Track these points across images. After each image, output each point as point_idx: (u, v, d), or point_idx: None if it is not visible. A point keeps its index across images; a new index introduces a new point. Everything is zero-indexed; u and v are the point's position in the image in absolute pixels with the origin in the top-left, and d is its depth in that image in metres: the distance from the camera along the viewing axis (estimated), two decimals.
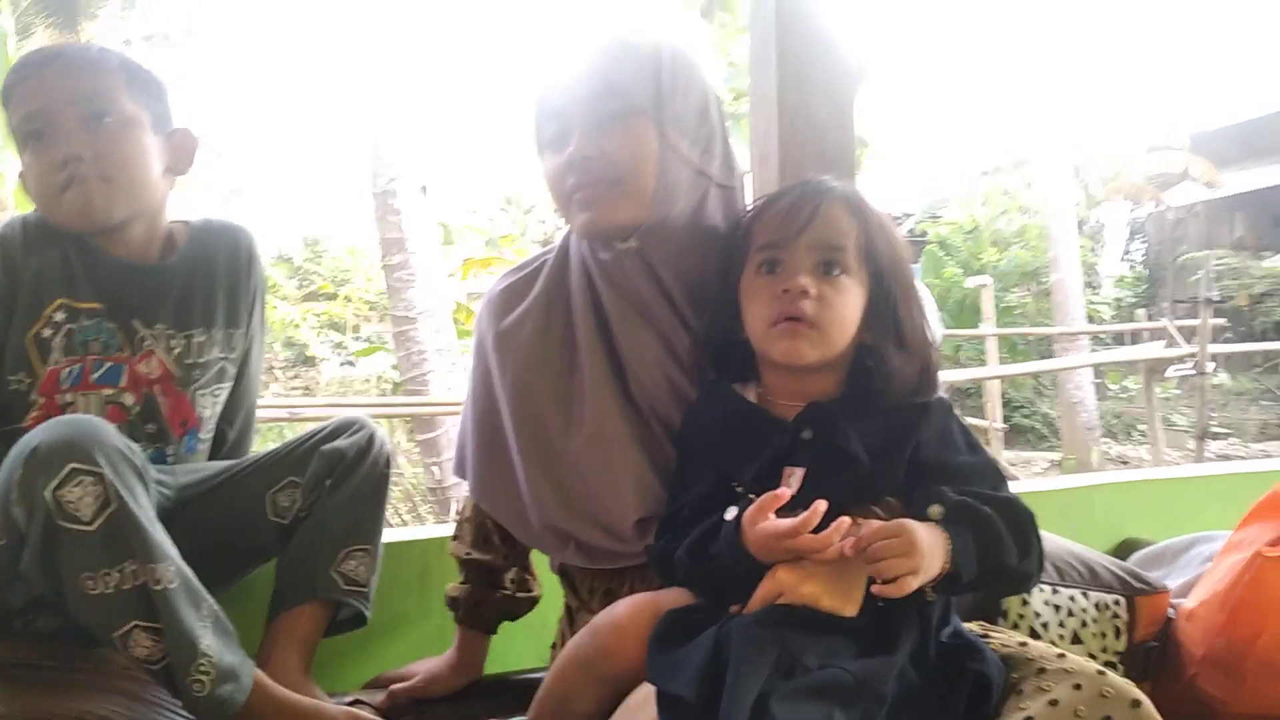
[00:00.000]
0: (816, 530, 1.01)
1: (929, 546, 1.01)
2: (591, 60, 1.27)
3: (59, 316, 1.42)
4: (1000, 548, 1.06)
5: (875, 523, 1.02)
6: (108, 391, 1.45)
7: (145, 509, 1.23)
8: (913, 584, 0.99)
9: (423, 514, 5.42)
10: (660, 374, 1.30)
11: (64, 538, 1.18)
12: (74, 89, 1.41)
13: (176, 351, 1.51)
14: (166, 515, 1.31)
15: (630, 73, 1.25)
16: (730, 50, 9.31)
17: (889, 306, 1.16)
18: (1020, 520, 1.09)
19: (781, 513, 1.04)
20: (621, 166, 1.24)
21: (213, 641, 1.24)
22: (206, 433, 1.58)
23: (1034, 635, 1.40)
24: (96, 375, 1.45)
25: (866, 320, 1.16)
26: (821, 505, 1.01)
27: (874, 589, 1.00)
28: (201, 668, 1.22)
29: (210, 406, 1.57)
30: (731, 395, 1.23)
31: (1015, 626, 1.41)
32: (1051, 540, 1.56)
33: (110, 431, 1.24)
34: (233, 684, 1.24)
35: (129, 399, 1.47)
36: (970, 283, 11.31)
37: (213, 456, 1.62)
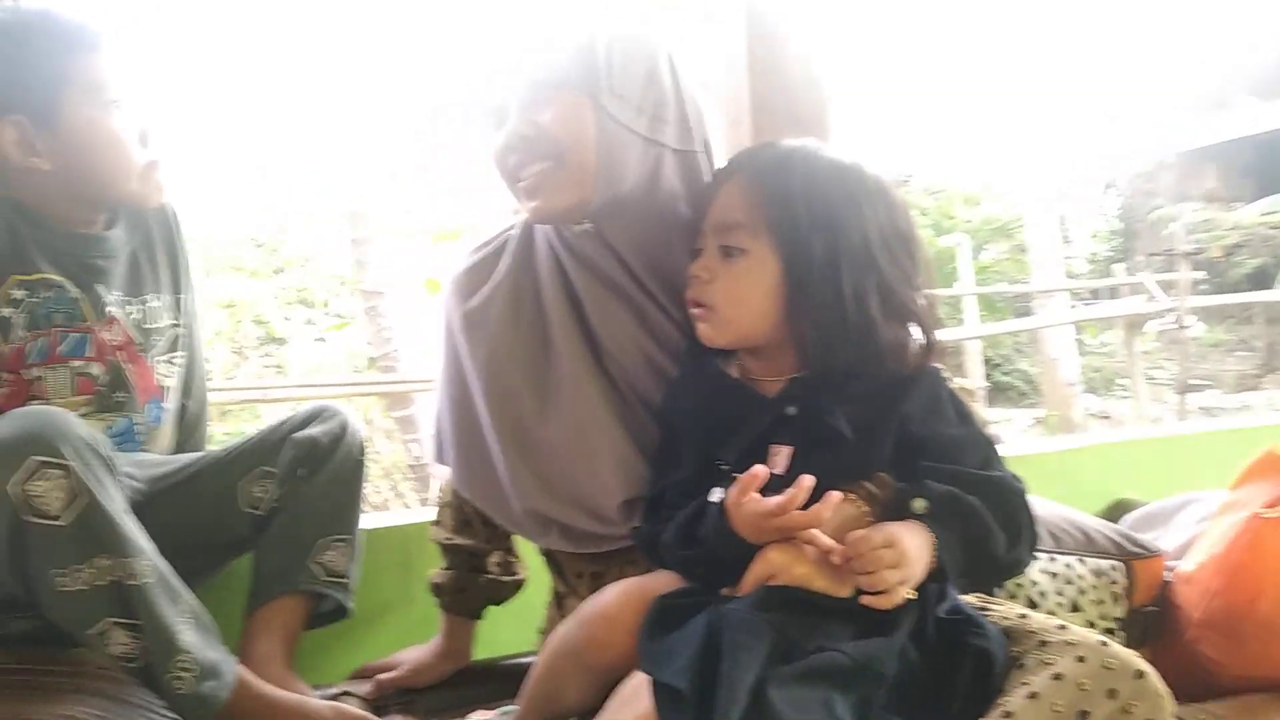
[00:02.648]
0: (805, 507, 0.99)
1: (916, 552, 1.00)
2: (526, 36, 1.24)
3: (18, 294, 1.38)
4: (988, 539, 1.04)
5: (862, 532, 1.00)
6: (76, 363, 1.42)
7: (115, 501, 1.21)
8: (902, 594, 0.99)
9: (403, 491, 5.39)
10: (637, 350, 1.27)
11: (32, 533, 1.15)
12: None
13: (134, 317, 1.49)
14: (137, 509, 1.28)
15: (563, 45, 1.21)
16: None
17: (811, 279, 1.10)
18: (1010, 504, 1.07)
19: (769, 492, 1.02)
20: (561, 143, 1.20)
21: (193, 637, 1.22)
22: (170, 403, 1.55)
23: (1032, 605, 1.39)
24: (63, 347, 1.41)
25: (789, 296, 1.12)
26: (808, 480, 0.99)
27: (862, 600, 0.99)
28: (182, 664, 1.20)
29: (170, 375, 1.55)
30: (715, 371, 1.20)
31: (1013, 597, 1.40)
32: (1046, 506, 1.54)
33: (75, 423, 1.21)
34: (214, 680, 1.22)
35: (96, 369, 1.44)
36: (943, 242, 11.32)
37: (178, 431, 1.59)
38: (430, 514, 1.58)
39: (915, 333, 1.13)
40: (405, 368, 5.49)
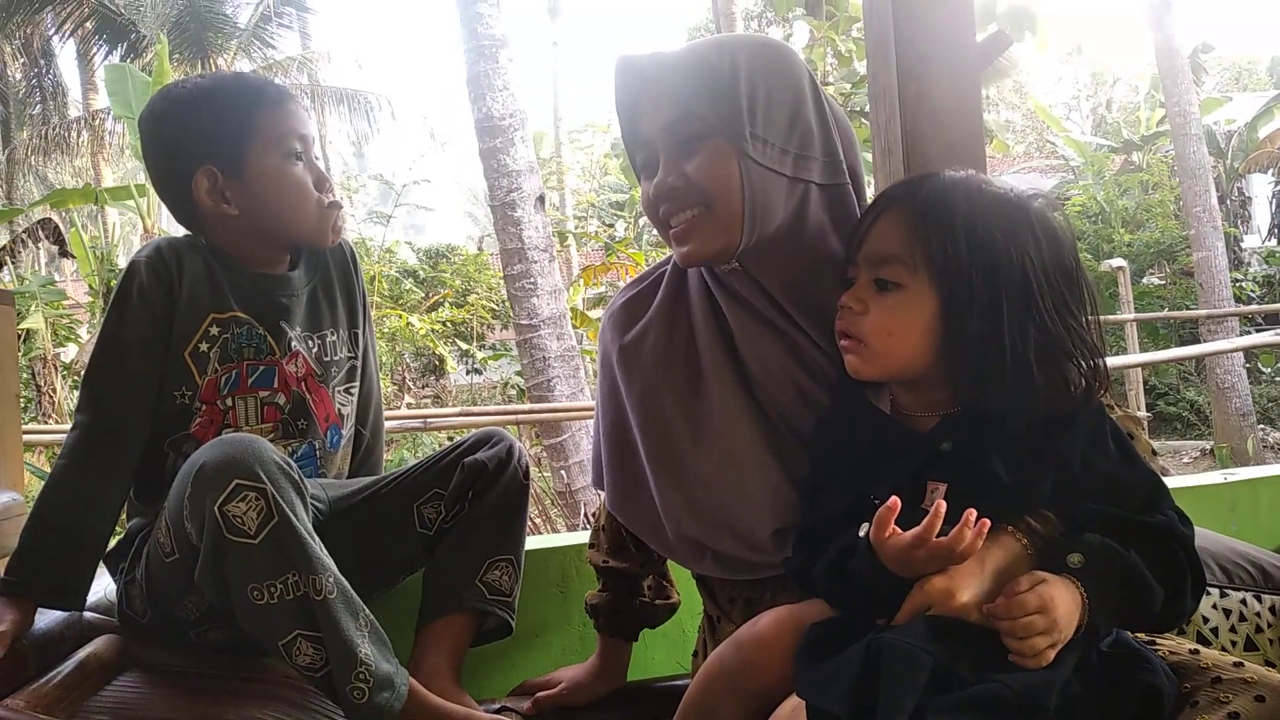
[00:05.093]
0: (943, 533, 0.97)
1: (1067, 617, 0.97)
2: (668, 82, 1.25)
3: (213, 330, 1.50)
4: (1144, 595, 1.00)
5: (1019, 595, 0.97)
6: (263, 393, 1.53)
7: (304, 522, 1.28)
8: (1049, 657, 0.96)
9: (553, 517, 5.52)
10: (787, 381, 1.28)
11: (231, 550, 1.24)
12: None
13: (314, 351, 1.59)
14: (319, 528, 1.36)
15: (705, 95, 1.22)
16: (839, 43, 9.19)
17: (970, 317, 1.07)
18: (1172, 553, 1.03)
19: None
20: (707, 191, 1.22)
21: (370, 650, 1.28)
22: (347, 429, 1.64)
23: (1202, 642, 1.33)
24: (252, 379, 1.53)
25: (945, 333, 1.09)
26: (942, 507, 0.97)
27: (1010, 657, 0.97)
28: (360, 675, 1.25)
29: (347, 404, 1.64)
30: (866, 405, 1.19)
31: (1181, 633, 1.34)
32: (1216, 540, 1.48)
33: (270, 449, 1.30)
34: (389, 691, 1.28)
35: (281, 399, 1.54)
36: (1104, 266, 10.87)
37: (354, 456, 1.69)
38: (587, 537, 1.62)
39: (1077, 368, 1.09)
40: (558, 397, 5.62)
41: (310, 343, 1.59)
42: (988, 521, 0.98)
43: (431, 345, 10.32)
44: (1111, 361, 1.15)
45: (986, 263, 1.06)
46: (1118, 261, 10.06)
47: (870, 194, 1.34)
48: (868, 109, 1.69)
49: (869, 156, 1.63)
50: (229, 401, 1.51)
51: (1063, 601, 0.97)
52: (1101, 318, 1.13)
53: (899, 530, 0.99)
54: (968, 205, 1.10)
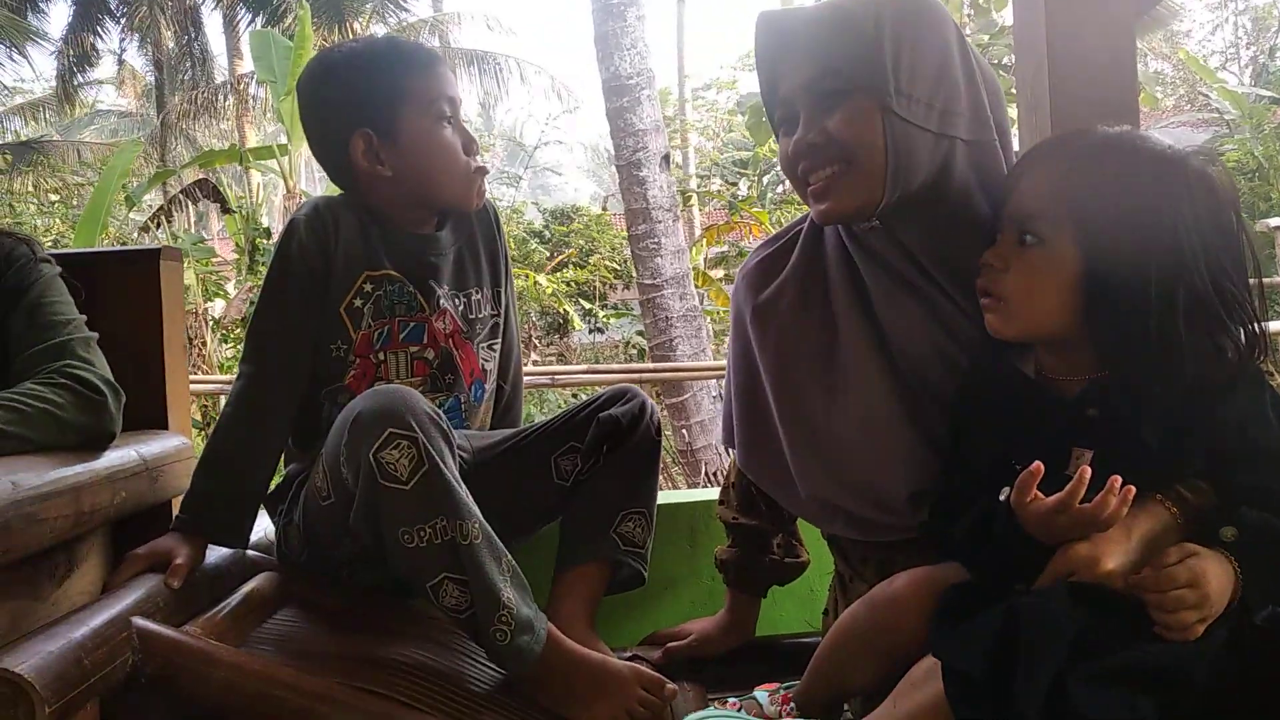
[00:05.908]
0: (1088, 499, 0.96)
1: (1219, 593, 0.95)
2: (810, 38, 1.23)
3: (367, 287, 1.57)
4: None
5: (1169, 567, 0.95)
6: (413, 348, 1.59)
7: (452, 470, 1.34)
8: (1198, 631, 0.94)
9: (674, 475, 5.58)
10: (926, 342, 1.26)
11: (384, 496, 1.30)
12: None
13: (461, 308, 1.64)
14: (465, 478, 1.40)
15: (848, 50, 1.20)
16: None
17: (1114, 279, 1.04)
18: None
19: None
20: (849, 148, 1.20)
21: (512, 594, 1.32)
22: (490, 384, 1.70)
23: None
24: (403, 335, 1.59)
25: (1087, 293, 1.06)
26: (1087, 473, 0.96)
27: (1156, 629, 0.95)
28: (503, 618, 1.30)
29: (490, 360, 1.70)
30: (1010, 368, 1.18)
31: None
32: None
33: (421, 400, 1.35)
34: (530, 635, 1.32)
35: (430, 354, 1.60)
36: (1261, 225, 10.21)
37: (495, 409, 1.75)
38: (716, 493, 1.64)
39: (1232, 334, 1.05)
40: (680, 357, 5.66)
41: (457, 300, 1.64)
42: (1133, 489, 0.96)
43: (557, 304, 10.48)
44: (1270, 327, 1.10)
45: (1135, 222, 1.03)
46: (1275, 220, 9.46)
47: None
48: (1005, 61, 1.64)
49: (1012, 112, 1.57)
50: (381, 355, 1.57)
51: (1214, 576, 0.95)
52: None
53: (1041, 495, 0.98)
54: (1121, 161, 1.07)
